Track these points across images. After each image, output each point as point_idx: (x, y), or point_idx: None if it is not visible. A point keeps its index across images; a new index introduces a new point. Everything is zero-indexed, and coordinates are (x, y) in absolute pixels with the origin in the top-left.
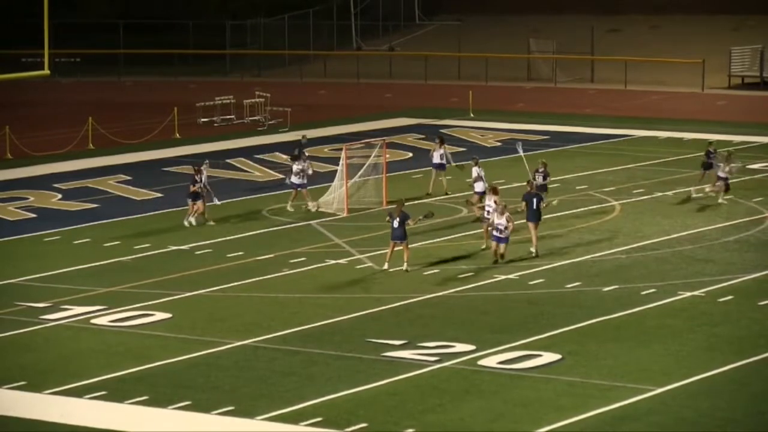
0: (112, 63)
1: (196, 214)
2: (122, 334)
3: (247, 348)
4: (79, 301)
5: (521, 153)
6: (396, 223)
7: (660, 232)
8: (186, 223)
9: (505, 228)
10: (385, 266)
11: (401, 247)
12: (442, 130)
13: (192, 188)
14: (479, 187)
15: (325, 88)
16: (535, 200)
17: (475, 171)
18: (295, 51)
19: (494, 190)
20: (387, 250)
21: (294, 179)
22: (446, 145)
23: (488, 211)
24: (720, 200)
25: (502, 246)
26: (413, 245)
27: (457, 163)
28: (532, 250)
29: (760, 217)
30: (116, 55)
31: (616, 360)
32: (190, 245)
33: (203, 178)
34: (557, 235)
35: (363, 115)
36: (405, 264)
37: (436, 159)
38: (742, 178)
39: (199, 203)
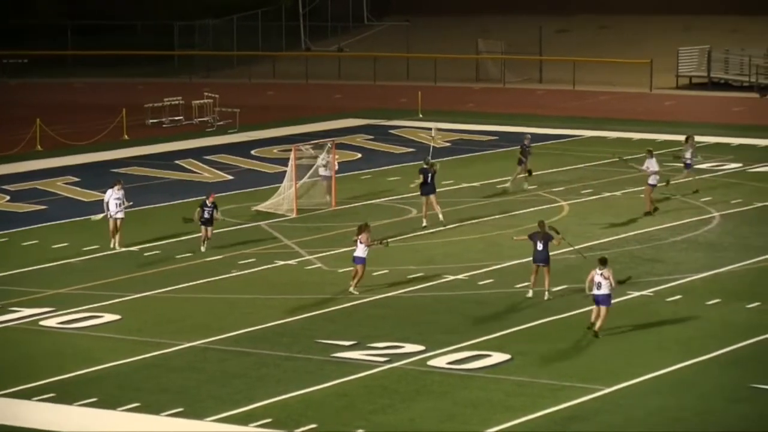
0: (60, 64)
1: (206, 241)
2: (71, 336)
3: (196, 349)
4: (28, 303)
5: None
6: (540, 245)
7: (608, 232)
8: (202, 249)
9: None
10: (529, 293)
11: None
12: (390, 131)
13: (199, 213)
14: (652, 179)
15: (273, 89)
16: (429, 174)
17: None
18: (243, 52)
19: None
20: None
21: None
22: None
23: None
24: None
25: (602, 309)
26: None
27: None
28: (440, 218)
29: (707, 217)
30: (64, 56)
31: (565, 360)
32: (139, 247)
33: (211, 204)
34: (506, 235)
35: (312, 115)
36: (546, 293)
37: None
38: (695, 178)
39: (209, 229)
